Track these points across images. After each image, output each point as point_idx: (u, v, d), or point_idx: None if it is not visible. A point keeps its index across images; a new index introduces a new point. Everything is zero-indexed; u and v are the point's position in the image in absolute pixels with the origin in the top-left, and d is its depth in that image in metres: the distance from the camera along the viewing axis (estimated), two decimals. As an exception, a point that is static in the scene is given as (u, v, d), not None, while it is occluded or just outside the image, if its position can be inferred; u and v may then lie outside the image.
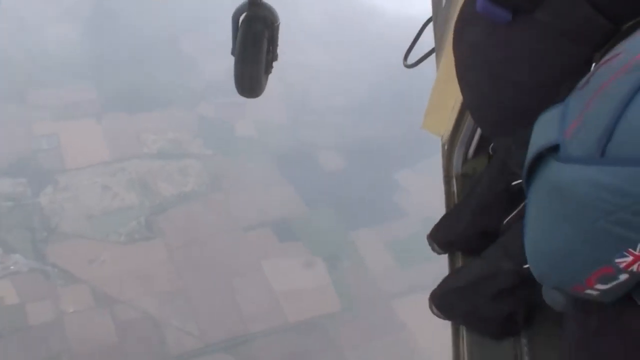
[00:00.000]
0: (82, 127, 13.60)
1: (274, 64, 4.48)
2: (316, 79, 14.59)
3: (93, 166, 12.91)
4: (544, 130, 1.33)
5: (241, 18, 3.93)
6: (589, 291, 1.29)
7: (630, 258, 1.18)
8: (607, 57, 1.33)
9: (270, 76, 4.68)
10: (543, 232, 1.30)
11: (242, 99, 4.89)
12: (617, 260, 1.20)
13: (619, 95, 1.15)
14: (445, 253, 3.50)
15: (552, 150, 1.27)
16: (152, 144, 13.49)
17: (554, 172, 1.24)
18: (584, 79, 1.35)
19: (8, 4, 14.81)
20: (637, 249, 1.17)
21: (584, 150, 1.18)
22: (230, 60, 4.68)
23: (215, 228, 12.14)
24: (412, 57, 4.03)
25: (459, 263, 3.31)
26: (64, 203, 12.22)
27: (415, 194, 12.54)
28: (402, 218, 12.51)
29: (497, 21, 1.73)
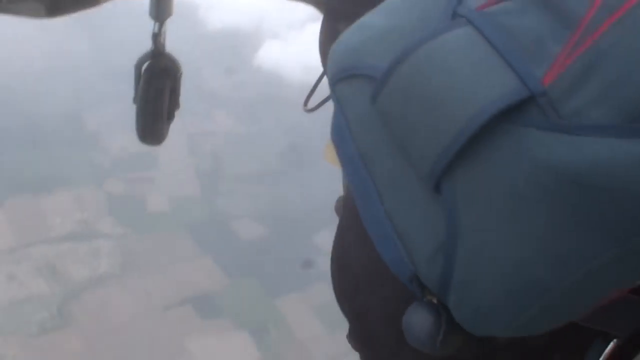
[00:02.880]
0: (-18, 214, 12.89)
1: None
2: (227, 147, 14.37)
3: (-4, 254, 12.19)
4: (478, 72, 0.78)
5: (144, 67, 3.80)
6: None
7: None
8: None
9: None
10: (524, 248, 0.76)
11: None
12: None
13: None
14: None
15: (514, 109, 0.75)
16: (59, 227, 12.88)
17: (546, 149, 0.73)
18: None
19: None
20: None
21: (604, 112, 0.72)
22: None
23: (133, 311, 11.60)
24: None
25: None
26: (-35, 297, 11.47)
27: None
28: (326, 280, 12.28)
29: None
